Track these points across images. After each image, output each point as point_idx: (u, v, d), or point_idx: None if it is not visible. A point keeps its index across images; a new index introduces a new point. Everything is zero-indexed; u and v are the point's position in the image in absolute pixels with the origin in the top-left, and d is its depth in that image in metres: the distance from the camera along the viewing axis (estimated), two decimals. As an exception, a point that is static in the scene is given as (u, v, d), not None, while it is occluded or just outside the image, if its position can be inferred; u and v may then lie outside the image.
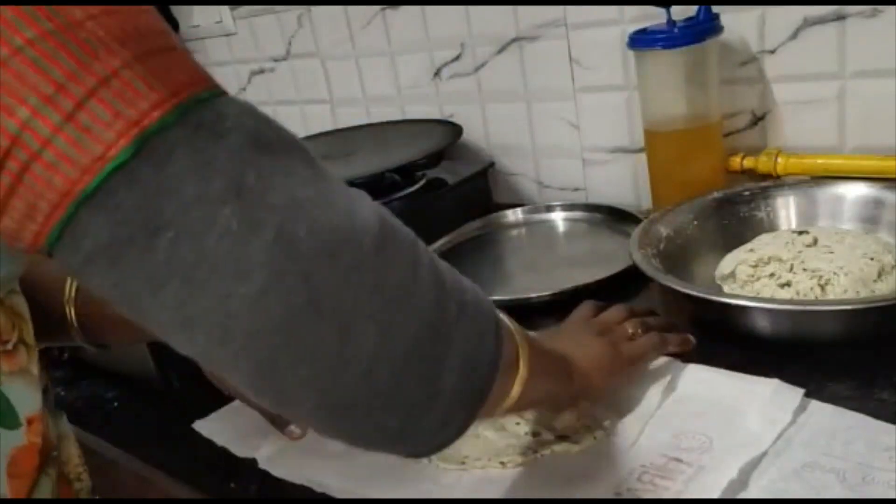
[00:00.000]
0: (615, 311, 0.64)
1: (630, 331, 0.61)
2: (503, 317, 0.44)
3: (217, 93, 0.33)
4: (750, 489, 0.48)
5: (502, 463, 0.55)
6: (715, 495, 0.47)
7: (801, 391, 0.55)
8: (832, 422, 0.52)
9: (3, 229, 0.31)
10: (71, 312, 0.58)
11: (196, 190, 0.30)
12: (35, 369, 0.44)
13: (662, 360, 0.62)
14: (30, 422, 0.43)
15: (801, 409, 0.54)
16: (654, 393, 0.58)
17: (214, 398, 0.62)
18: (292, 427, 0.58)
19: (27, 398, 0.43)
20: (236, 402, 0.64)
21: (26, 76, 0.29)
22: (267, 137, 0.33)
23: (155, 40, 0.32)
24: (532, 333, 0.58)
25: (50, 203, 0.30)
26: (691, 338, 0.63)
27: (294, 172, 0.33)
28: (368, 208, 0.36)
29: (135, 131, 0.30)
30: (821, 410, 0.53)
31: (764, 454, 0.50)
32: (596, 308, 0.66)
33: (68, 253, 0.31)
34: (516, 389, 0.45)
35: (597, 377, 0.56)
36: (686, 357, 0.62)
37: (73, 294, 0.58)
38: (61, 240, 0.30)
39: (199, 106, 0.32)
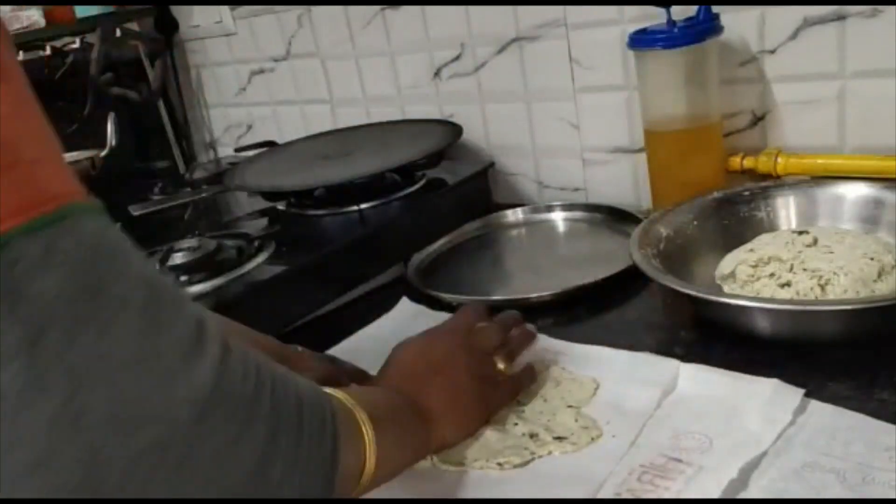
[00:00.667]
0: (491, 336, 0.62)
1: (501, 366, 0.60)
2: (352, 407, 0.45)
3: (59, 216, 0.29)
4: (750, 489, 0.48)
5: (499, 464, 0.54)
6: (715, 495, 0.47)
7: (800, 391, 0.55)
8: (832, 422, 0.52)
9: None
10: None
11: None
12: None
13: (660, 359, 0.62)
14: None
15: (801, 409, 0.53)
16: (652, 393, 0.58)
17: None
18: None
19: None
20: None
21: None
22: (102, 277, 0.30)
23: None
24: (412, 350, 0.60)
25: None
26: (532, 328, 0.65)
27: (118, 326, 0.30)
28: (204, 370, 0.32)
29: None
30: (821, 410, 0.53)
31: (764, 454, 0.50)
32: (474, 320, 0.63)
33: None
34: (364, 486, 0.45)
35: (453, 431, 0.56)
36: (686, 357, 0.62)
37: None
38: None
39: (20, 239, 0.28)
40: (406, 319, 0.79)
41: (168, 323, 0.32)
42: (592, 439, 0.55)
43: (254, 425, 0.34)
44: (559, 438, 0.56)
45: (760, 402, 0.54)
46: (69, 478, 0.29)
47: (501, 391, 0.60)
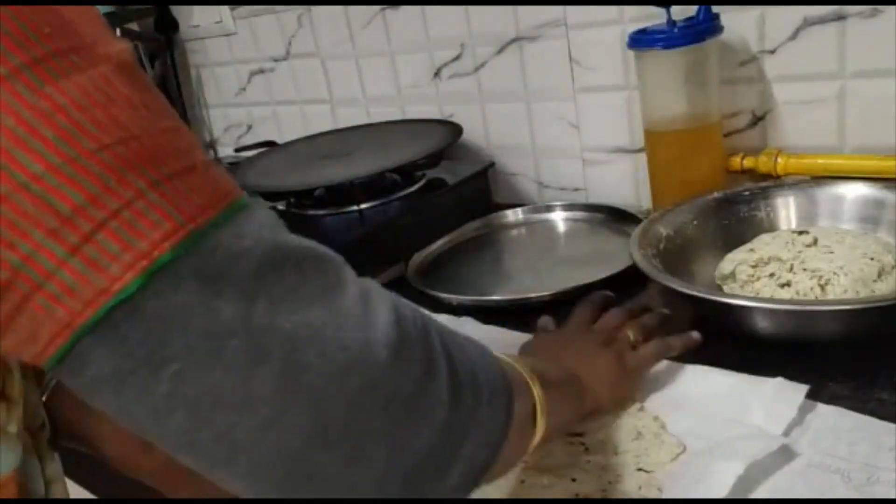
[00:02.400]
0: (614, 316, 0.64)
1: (632, 338, 0.61)
2: (521, 369, 0.45)
3: (237, 207, 0.32)
4: (756, 490, 0.48)
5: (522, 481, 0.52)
6: (723, 494, 0.47)
7: (804, 387, 0.54)
8: (836, 423, 0.52)
9: (3, 347, 0.30)
10: None
11: (203, 323, 0.30)
12: (14, 426, 0.41)
13: (666, 362, 0.62)
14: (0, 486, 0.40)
15: (806, 409, 0.53)
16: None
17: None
18: None
19: None
20: None
21: (29, 211, 0.28)
22: (282, 254, 0.33)
23: (173, 163, 0.31)
24: (540, 339, 0.61)
25: (50, 332, 0.29)
26: (695, 335, 0.62)
27: (307, 292, 0.33)
28: (383, 313, 0.35)
29: (143, 264, 0.29)
30: (825, 412, 0.53)
31: (769, 454, 0.50)
32: (594, 309, 0.66)
33: (70, 377, 0.30)
34: (532, 445, 0.46)
35: (606, 394, 0.56)
36: (685, 357, 0.62)
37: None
38: (62, 364, 0.30)
39: (215, 230, 0.31)
40: None
41: (340, 278, 0.35)
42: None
43: (435, 359, 0.37)
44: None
45: (765, 400, 0.54)
46: (303, 431, 0.32)
47: (639, 353, 0.60)
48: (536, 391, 0.45)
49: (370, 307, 0.35)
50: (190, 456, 0.32)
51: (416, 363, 0.35)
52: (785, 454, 0.50)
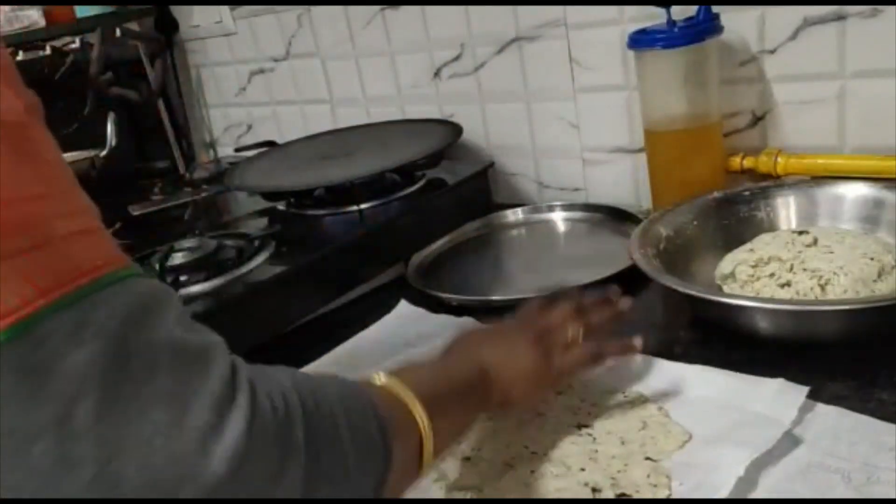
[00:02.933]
0: (560, 311, 0.59)
1: (569, 335, 0.57)
2: (406, 399, 0.44)
3: (96, 287, 0.30)
4: (757, 489, 0.48)
5: None
6: (724, 494, 0.47)
7: (805, 389, 0.54)
8: (836, 423, 0.52)
9: None
10: None
11: (13, 420, 0.28)
12: None
13: (668, 363, 0.62)
14: None
15: (806, 409, 0.53)
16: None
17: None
18: None
19: None
20: None
21: None
22: (130, 349, 0.30)
23: (17, 240, 0.29)
24: (476, 331, 0.60)
25: None
26: (636, 342, 0.59)
27: (148, 396, 0.30)
28: (237, 420, 0.32)
29: None
30: (825, 412, 0.53)
31: (770, 453, 0.50)
32: (542, 306, 0.61)
33: None
34: (424, 468, 0.45)
35: (518, 391, 0.54)
36: (686, 357, 0.62)
37: None
38: None
39: (52, 316, 0.28)
40: (405, 322, 0.79)
41: (199, 380, 0.32)
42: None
43: (292, 456, 0.34)
44: (622, 496, 0.50)
45: (765, 401, 0.54)
46: None
47: (572, 353, 0.57)
48: (421, 420, 0.44)
49: (223, 415, 0.32)
50: None
51: (261, 472, 0.33)
52: (786, 454, 0.50)
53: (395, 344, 0.73)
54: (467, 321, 0.76)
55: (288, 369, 0.39)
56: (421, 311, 0.80)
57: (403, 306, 0.82)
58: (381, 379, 0.46)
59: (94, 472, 0.29)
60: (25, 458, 0.28)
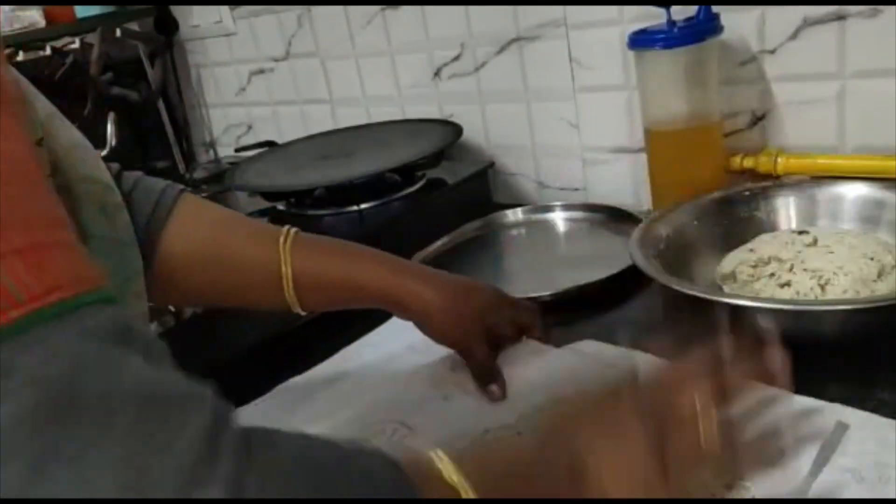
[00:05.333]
0: (696, 391, 0.44)
1: (702, 432, 0.43)
2: (451, 481, 0.35)
3: (36, 318, 0.25)
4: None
5: None
6: None
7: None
8: (843, 420, 0.51)
9: None
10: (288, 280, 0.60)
11: None
12: None
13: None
14: None
15: (811, 410, 0.53)
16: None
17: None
18: (494, 387, 0.59)
19: None
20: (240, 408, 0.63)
21: None
22: (74, 398, 0.25)
23: None
24: (593, 406, 0.47)
25: None
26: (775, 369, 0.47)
27: (95, 456, 0.25)
28: (216, 483, 0.26)
29: None
30: (830, 410, 0.53)
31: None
32: (673, 378, 0.46)
33: None
34: None
35: (618, 494, 0.40)
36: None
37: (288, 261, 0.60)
38: None
39: None
40: (405, 327, 0.79)
41: (165, 444, 0.26)
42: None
43: None
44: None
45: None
46: None
47: (700, 466, 0.44)
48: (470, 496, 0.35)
49: (195, 484, 0.26)
50: None
51: None
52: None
53: (399, 349, 0.73)
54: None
55: (309, 441, 0.33)
56: None
57: None
58: (437, 459, 0.37)
59: None
60: None
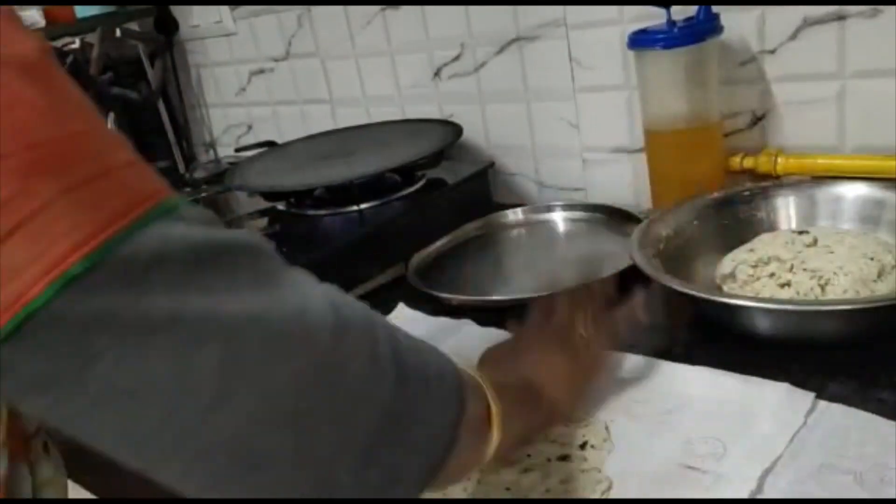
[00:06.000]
0: (564, 311, 0.59)
1: (583, 333, 0.58)
2: (476, 376, 0.45)
3: (161, 210, 0.31)
4: (769, 493, 0.47)
5: (507, 489, 0.53)
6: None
7: (811, 395, 0.54)
8: (843, 422, 0.52)
9: None
10: None
11: (130, 320, 0.29)
12: (2, 433, 0.41)
13: (669, 364, 0.62)
14: None
15: (810, 410, 0.53)
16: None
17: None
18: None
19: None
20: None
21: None
22: (212, 248, 0.32)
23: (82, 169, 0.30)
24: (499, 347, 0.59)
25: None
26: (638, 309, 0.60)
27: (239, 282, 0.33)
28: (321, 299, 0.36)
29: (54, 274, 0.28)
30: (830, 410, 0.53)
31: (779, 457, 0.49)
32: (547, 310, 0.61)
33: None
34: (490, 452, 0.45)
35: (566, 399, 0.54)
36: (686, 357, 0.62)
37: None
38: None
39: (133, 235, 0.30)
40: (402, 326, 0.78)
41: (273, 267, 0.35)
42: (607, 429, 0.55)
43: (379, 348, 0.37)
44: (585, 446, 0.55)
45: (772, 406, 0.54)
46: (246, 412, 0.31)
47: (592, 351, 0.57)
48: (491, 397, 0.45)
49: (307, 293, 0.36)
50: (131, 453, 0.32)
51: (359, 347, 0.36)
52: (795, 456, 0.50)
53: None
54: (466, 323, 0.76)
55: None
56: (419, 314, 0.80)
57: (401, 309, 0.81)
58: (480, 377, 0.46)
59: (221, 350, 0.31)
60: (153, 346, 0.30)
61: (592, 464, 0.53)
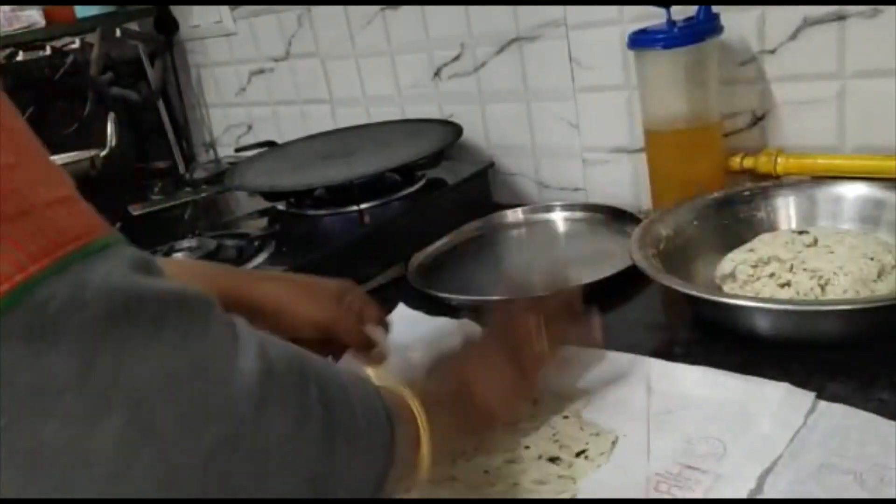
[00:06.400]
0: (518, 319, 0.58)
1: (532, 330, 0.57)
2: (404, 394, 0.45)
3: (87, 252, 0.30)
4: (769, 493, 0.47)
5: (486, 472, 0.54)
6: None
7: (811, 394, 0.54)
8: (843, 422, 0.52)
9: None
10: None
11: (32, 379, 0.28)
12: None
13: (669, 364, 0.62)
14: None
15: (810, 410, 0.53)
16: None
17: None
18: (375, 352, 0.61)
19: None
20: None
21: None
22: (135, 301, 0.30)
23: (6, 205, 0.28)
24: (456, 350, 0.58)
25: None
26: (594, 319, 0.60)
27: (162, 341, 0.31)
28: (250, 362, 0.34)
29: None
30: (830, 411, 0.53)
31: (779, 457, 0.50)
32: (503, 315, 0.60)
33: None
34: (421, 471, 0.45)
35: (497, 406, 0.53)
36: (686, 357, 0.62)
37: None
38: None
39: (50, 280, 0.28)
40: (402, 326, 0.78)
41: (204, 325, 0.33)
42: (613, 444, 0.55)
43: (309, 406, 0.35)
44: (581, 454, 0.54)
45: (772, 406, 0.54)
46: (148, 484, 0.30)
47: (535, 352, 0.57)
48: (420, 419, 0.45)
49: (235, 356, 0.33)
50: None
51: (284, 414, 0.34)
52: (795, 456, 0.50)
53: (394, 348, 0.73)
54: (465, 323, 0.76)
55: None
56: (418, 314, 0.80)
57: (401, 309, 0.81)
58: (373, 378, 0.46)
59: (126, 418, 0.29)
60: (53, 410, 0.28)
61: (573, 473, 0.53)
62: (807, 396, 0.54)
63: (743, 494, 0.47)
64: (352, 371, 0.43)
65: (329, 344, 0.60)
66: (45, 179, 0.31)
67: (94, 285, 0.29)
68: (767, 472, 0.49)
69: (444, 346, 0.59)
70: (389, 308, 0.82)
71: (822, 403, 0.54)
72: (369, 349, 0.61)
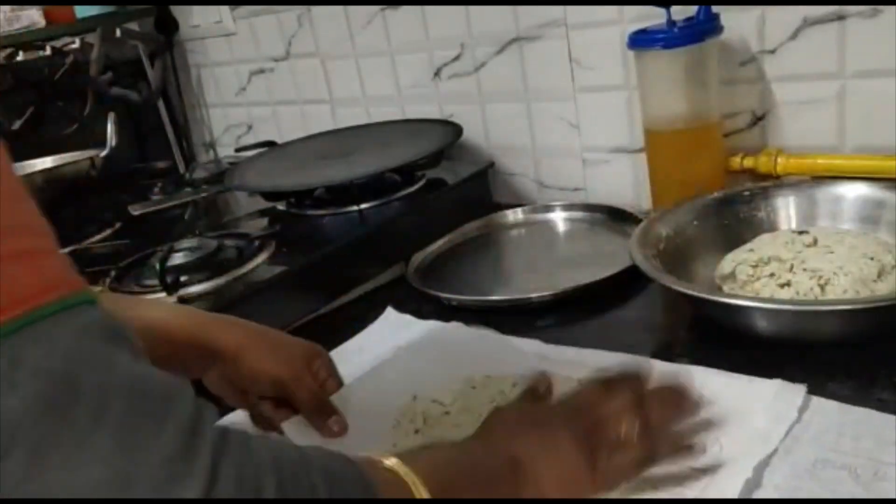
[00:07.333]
0: (617, 403, 0.48)
1: (622, 434, 0.47)
2: (401, 473, 0.39)
3: (33, 318, 0.27)
4: (765, 488, 0.48)
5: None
6: (733, 496, 0.47)
7: (803, 388, 0.55)
8: (838, 417, 0.52)
9: None
10: None
11: None
12: None
13: (667, 364, 0.62)
14: None
15: (805, 406, 0.54)
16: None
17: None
18: (332, 421, 0.57)
19: None
20: (239, 412, 0.63)
21: None
22: (73, 391, 0.27)
23: None
24: (517, 410, 0.51)
25: None
26: (695, 446, 0.50)
27: (89, 445, 0.26)
28: (190, 484, 0.28)
29: None
30: (824, 407, 0.53)
31: (775, 452, 0.50)
32: (598, 392, 0.50)
33: None
34: None
35: (553, 493, 0.45)
36: (686, 357, 0.62)
37: None
38: None
39: None
40: (392, 329, 0.78)
41: (151, 436, 0.28)
42: None
43: None
44: None
45: (765, 402, 0.54)
46: None
47: (621, 456, 0.47)
48: (422, 490, 0.38)
49: (178, 475, 0.28)
50: None
51: None
52: (790, 451, 0.50)
53: (383, 352, 0.72)
54: (455, 326, 0.75)
55: (277, 441, 0.36)
56: (407, 317, 0.79)
57: (389, 313, 0.81)
58: (389, 461, 0.40)
59: None
60: None
61: None
62: (799, 390, 0.54)
63: (740, 484, 0.47)
64: (335, 460, 0.37)
65: (282, 405, 0.58)
66: (10, 229, 0.27)
67: (31, 364, 0.26)
68: (763, 466, 0.49)
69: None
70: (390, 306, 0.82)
71: (816, 399, 0.54)
72: (324, 417, 0.57)
